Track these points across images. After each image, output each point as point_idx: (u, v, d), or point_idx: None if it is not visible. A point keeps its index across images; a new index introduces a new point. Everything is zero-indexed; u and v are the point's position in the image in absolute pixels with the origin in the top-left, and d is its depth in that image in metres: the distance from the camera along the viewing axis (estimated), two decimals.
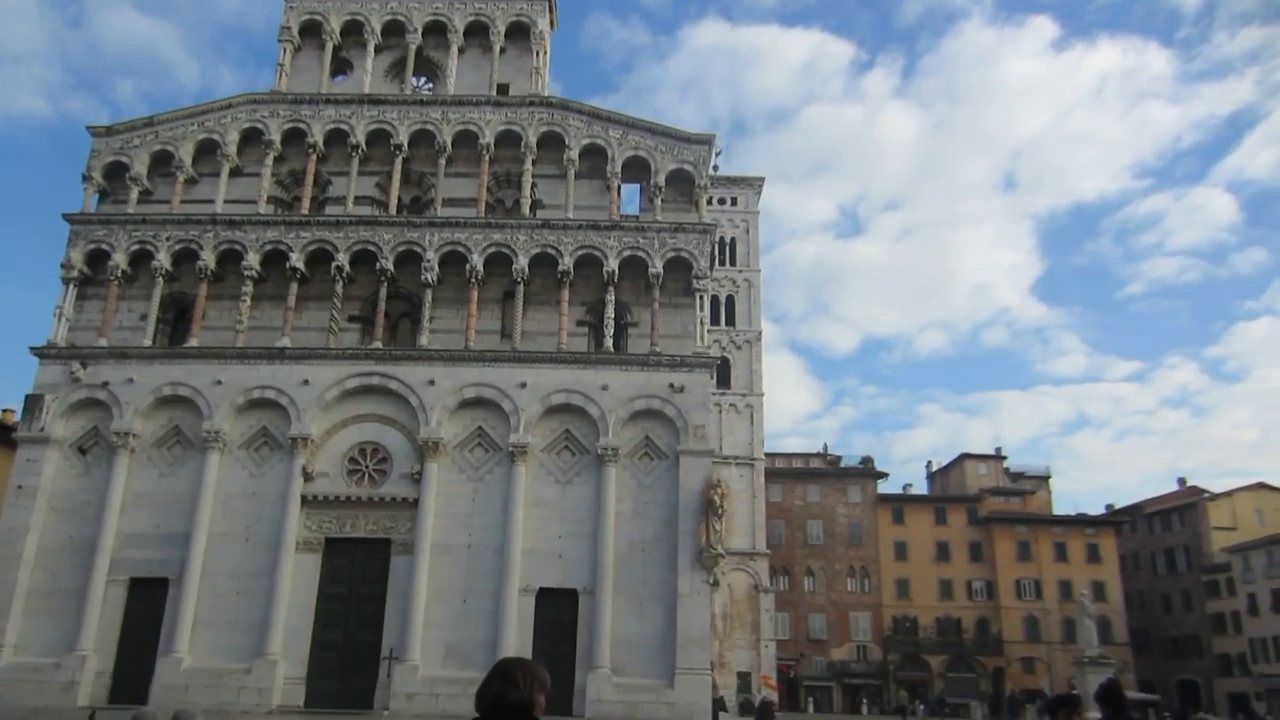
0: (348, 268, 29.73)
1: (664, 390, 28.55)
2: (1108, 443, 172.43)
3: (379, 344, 29.13)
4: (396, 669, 25.54)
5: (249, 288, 29.52)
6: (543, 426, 28.42)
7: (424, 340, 29.13)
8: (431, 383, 28.32)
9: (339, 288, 29.69)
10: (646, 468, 28.31)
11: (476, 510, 27.61)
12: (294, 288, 29.59)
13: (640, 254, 29.98)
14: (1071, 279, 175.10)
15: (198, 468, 27.56)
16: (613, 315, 29.47)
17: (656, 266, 29.77)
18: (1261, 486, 71.85)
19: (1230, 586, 64.99)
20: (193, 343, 29.05)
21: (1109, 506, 79.44)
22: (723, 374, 57.60)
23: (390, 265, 29.58)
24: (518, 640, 25.80)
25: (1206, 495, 72.53)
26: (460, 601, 26.58)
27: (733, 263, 63.02)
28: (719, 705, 31.25)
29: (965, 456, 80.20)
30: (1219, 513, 70.48)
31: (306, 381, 28.28)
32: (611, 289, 29.65)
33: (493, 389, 28.47)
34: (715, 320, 59.09)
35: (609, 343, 29.26)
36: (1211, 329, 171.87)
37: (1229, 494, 71.91)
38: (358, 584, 27.20)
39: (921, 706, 58.69)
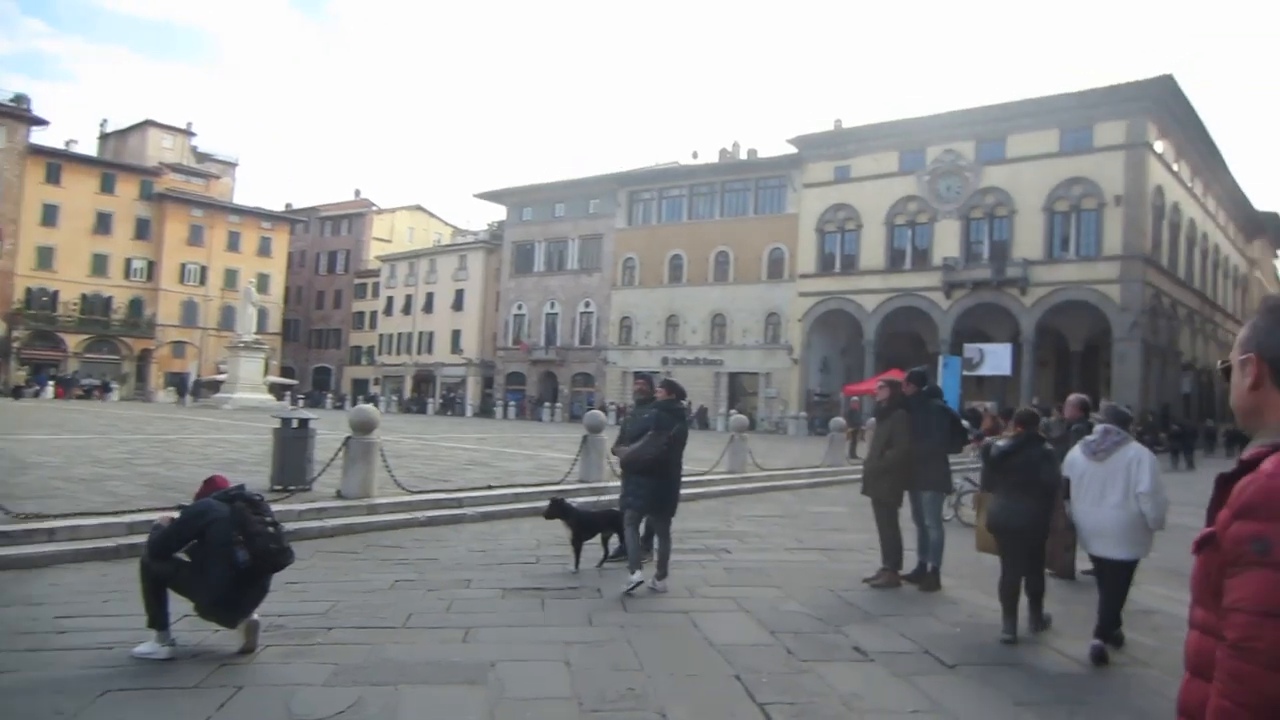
0: None
1: None
2: (299, 146, 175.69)
3: None
4: None
5: None
6: None
7: None
8: None
9: None
10: None
11: None
12: None
13: None
14: None
15: None
16: None
17: None
18: (418, 209, 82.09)
19: (375, 290, 73.53)
20: None
21: (288, 205, 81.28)
22: None
23: None
24: None
25: (374, 208, 79.58)
26: None
27: None
28: None
29: (150, 123, 71.96)
30: (381, 225, 78.41)
31: None
32: None
33: None
34: None
35: None
36: None
37: (392, 210, 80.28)
38: None
39: (42, 388, 52.37)
